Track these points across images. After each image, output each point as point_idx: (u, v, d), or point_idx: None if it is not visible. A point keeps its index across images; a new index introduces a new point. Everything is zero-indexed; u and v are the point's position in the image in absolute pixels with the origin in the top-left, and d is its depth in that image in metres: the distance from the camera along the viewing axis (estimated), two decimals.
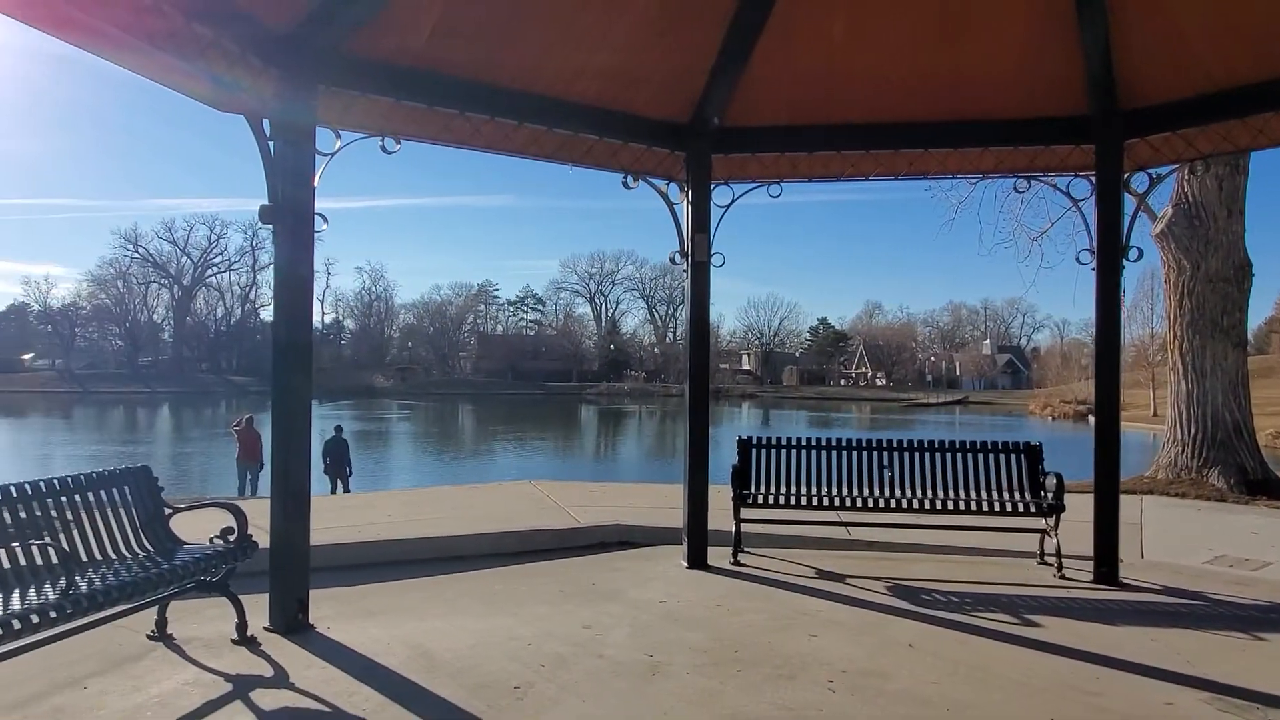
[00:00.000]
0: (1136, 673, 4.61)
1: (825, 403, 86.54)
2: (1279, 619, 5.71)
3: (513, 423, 57.21)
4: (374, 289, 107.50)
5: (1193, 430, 13.23)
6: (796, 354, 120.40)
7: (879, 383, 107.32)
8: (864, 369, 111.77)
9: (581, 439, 51.09)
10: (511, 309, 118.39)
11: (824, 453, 7.43)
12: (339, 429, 20.10)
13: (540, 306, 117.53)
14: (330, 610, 5.36)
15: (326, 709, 3.96)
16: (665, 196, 7.01)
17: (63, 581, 3.82)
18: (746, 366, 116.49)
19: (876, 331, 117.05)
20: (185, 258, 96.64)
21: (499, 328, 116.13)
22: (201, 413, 61.23)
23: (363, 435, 40.36)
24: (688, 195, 6.93)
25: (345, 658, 4.60)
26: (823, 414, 70.14)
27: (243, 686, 4.18)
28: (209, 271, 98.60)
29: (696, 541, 6.94)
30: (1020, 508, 6.95)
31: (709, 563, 6.91)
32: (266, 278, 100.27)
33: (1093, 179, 6.67)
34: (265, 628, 4.95)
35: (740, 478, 7.26)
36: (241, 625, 4.77)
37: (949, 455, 7.31)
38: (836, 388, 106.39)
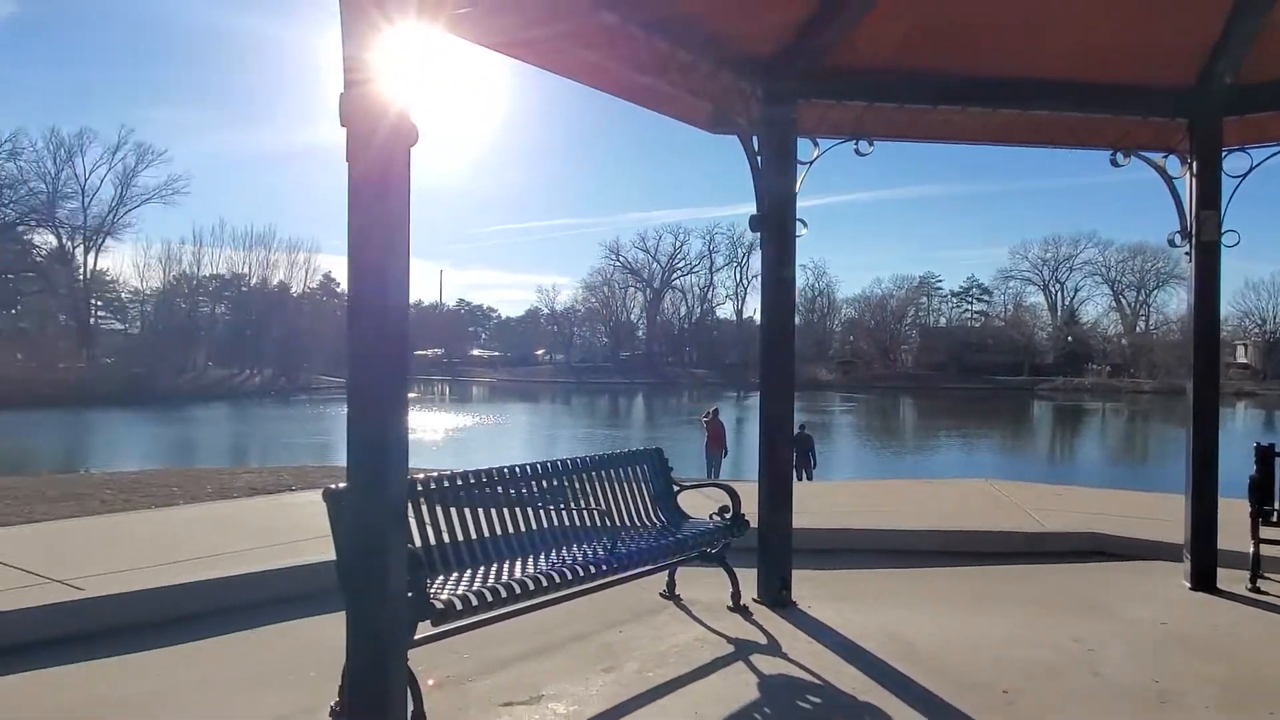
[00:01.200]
0: None
1: None
2: None
3: (957, 417, 54.78)
4: (817, 285, 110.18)
5: None
6: None
7: None
8: None
9: (1034, 437, 47.28)
10: (955, 300, 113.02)
11: None
12: (803, 426, 21.43)
13: (986, 297, 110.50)
14: (806, 590, 5.70)
15: (817, 681, 4.26)
16: (1162, 171, 6.25)
17: (606, 542, 4.63)
18: (1242, 359, 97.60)
19: None
20: (655, 264, 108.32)
21: (942, 320, 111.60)
22: (668, 401, 68.21)
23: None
24: (1191, 167, 6.10)
25: (828, 636, 4.89)
26: None
27: (742, 649, 4.68)
28: (674, 275, 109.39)
29: (1203, 560, 6.10)
30: None
31: (1218, 585, 6.04)
32: (721, 279, 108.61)
33: None
34: (754, 599, 5.45)
35: (1260, 490, 6.22)
36: (735, 595, 5.32)
37: None
38: None
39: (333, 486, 3.81)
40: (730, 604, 5.32)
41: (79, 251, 75.58)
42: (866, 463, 31.52)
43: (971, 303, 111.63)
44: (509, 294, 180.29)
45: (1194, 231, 6.06)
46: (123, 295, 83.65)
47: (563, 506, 4.94)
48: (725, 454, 21.37)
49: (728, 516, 5.32)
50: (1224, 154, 6.10)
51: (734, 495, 5.38)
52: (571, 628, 4.89)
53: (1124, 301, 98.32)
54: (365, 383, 3.20)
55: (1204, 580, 6.08)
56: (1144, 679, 4.35)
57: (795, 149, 5.44)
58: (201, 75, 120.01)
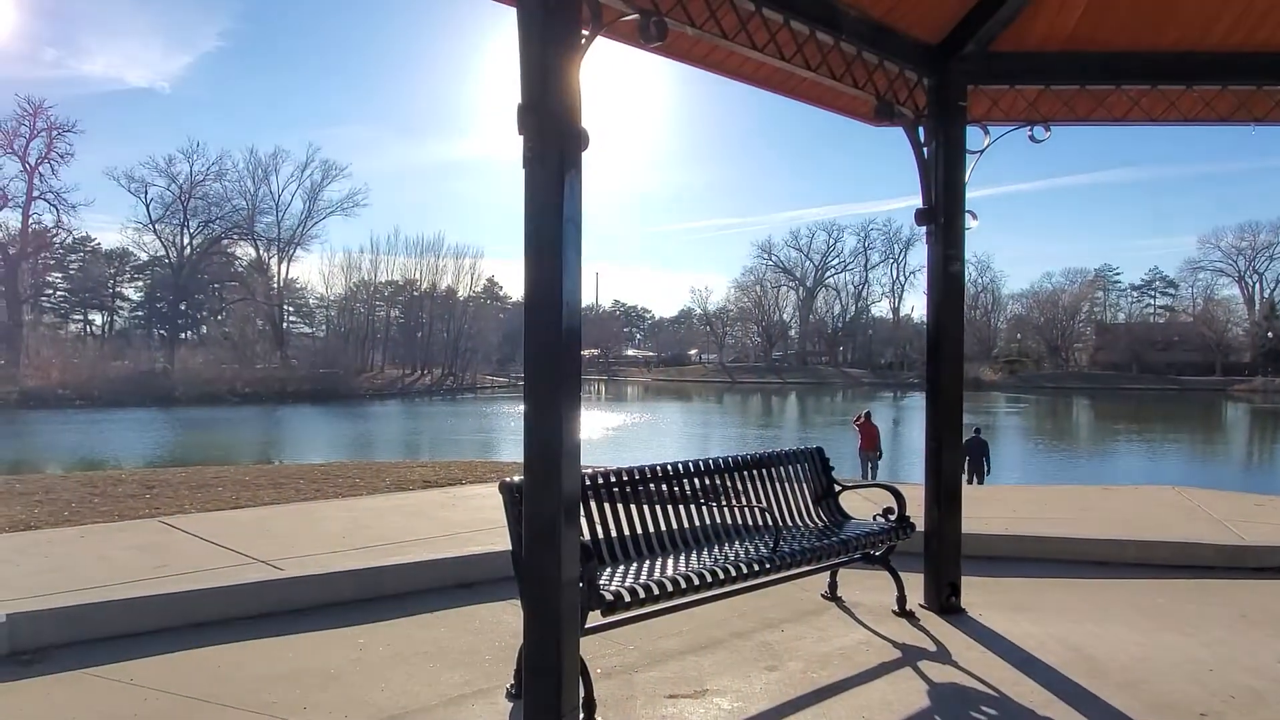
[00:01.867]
0: None
1: None
2: None
3: (1139, 420, 50.99)
4: (980, 280, 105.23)
5: None
6: None
7: None
8: None
9: (1229, 443, 43.27)
10: (1135, 294, 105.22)
11: None
12: (978, 430, 21.48)
13: (1172, 290, 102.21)
14: (976, 598, 5.49)
15: (992, 693, 4.10)
16: None
17: (769, 540, 4.63)
18: None
19: None
20: (808, 261, 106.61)
21: (1120, 315, 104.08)
22: (821, 401, 67.09)
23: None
24: None
25: (1001, 646, 4.70)
26: None
27: (910, 655, 4.56)
28: (827, 273, 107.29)
29: None
30: None
31: None
32: (877, 276, 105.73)
33: None
34: (920, 604, 5.30)
35: None
36: (901, 599, 5.19)
37: None
38: None
39: (509, 480, 3.99)
40: (895, 608, 5.20)
41: (274, 262, 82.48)
42: (1039, 468, 29.78)
43: (1155, 297, 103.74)
44: (663, 294, 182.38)
45: None
46: (310, 301, 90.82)
47: (725, 504, 4.97)
48: (880, 456, 20.97)
49: (892, 518, 5.20)
50: None
51: (899, 496, 5.25)
52: (732, 625, 4.92)
53: None
54: (541, 382, 3.35)
55: None
56: None
57: (964, 138, 5.24)
58: (378, 93, 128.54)
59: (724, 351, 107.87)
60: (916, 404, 59.94)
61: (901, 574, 5.30)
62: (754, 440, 37.84)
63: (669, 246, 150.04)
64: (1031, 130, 5.46)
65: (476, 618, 5.07)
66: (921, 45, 5.16)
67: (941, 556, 5.31)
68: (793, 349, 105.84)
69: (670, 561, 4.41)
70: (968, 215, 5.28)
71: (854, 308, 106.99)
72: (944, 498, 5.32)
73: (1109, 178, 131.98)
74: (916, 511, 5.36)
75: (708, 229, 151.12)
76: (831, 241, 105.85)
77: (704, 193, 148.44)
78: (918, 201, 5.28)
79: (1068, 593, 5.97)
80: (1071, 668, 4.39)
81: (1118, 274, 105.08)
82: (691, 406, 64.04)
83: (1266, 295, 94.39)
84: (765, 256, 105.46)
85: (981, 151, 5.35)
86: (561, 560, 3.29)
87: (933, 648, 4.68)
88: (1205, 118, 5.72)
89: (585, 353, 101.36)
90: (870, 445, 20.84)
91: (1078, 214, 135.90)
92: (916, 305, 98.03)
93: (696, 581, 4.07)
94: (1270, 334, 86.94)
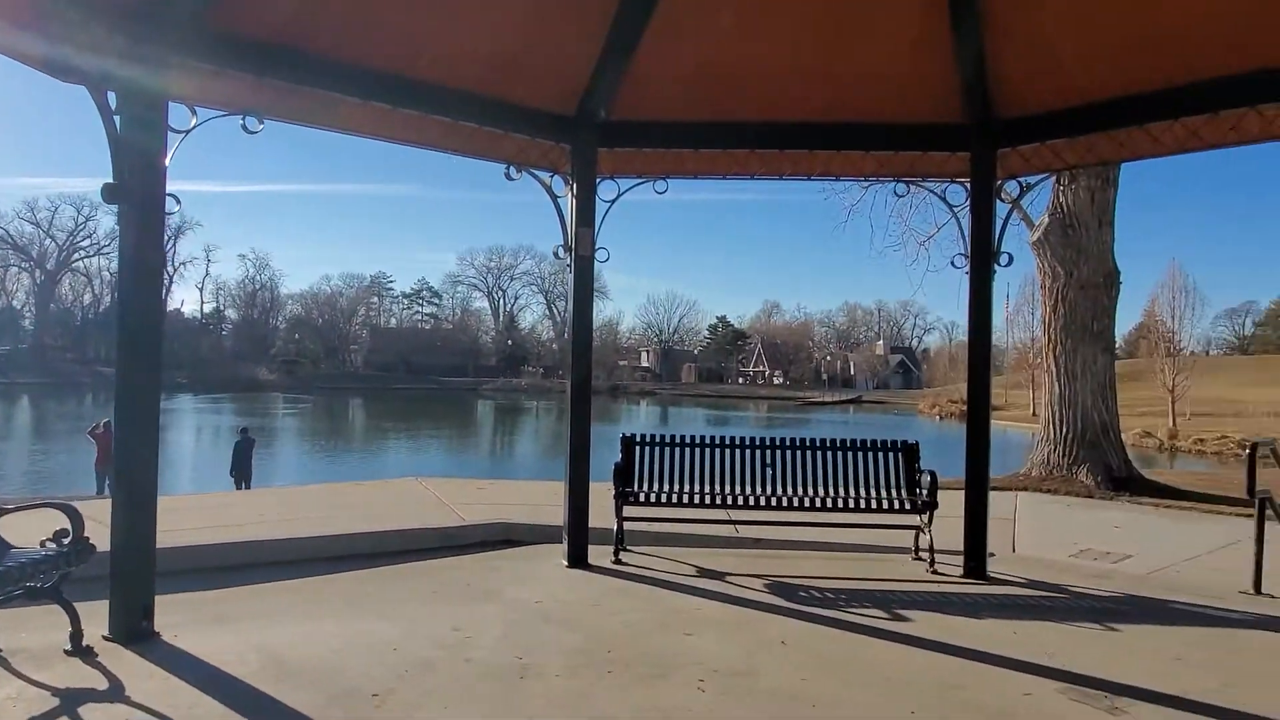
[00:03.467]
0: (998, 665, 4.74)
1: (723, 400, 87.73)
2: (1131, 610, 5.99)
3: (406, 418, 55.90)
4: (258, 278, 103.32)
5: (1064, 430, 13.92)
6: (695, 351, 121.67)
7: (776, 381, 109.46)
8: (762, 367, 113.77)
9: (476, 435, 50.32)
10: (406, 302, 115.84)
11: (709, 450, 7.42)
12: (245, 430, 20.34)
13: (436, 300, 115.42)
14: (181, 616, 5.00)
15: None
16: (549, 189, 6.87)
17: None
18: (645, 364, 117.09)
19: (775, 330, 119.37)
20: (49, 240, 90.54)
21: (393, 321, 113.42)
22: (65, 405, 57.52)
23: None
24: (572, 189, 6.81)
25: (189, 667, 4.29)
26: (720, 412, 71.08)
27: (71, 701, 3.85)
28: (76, 255, 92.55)
29: (577, 540, 6.83)
30: (897, 505, 7.11)
31: (590, 562, 6.81)
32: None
33: (968, 186, 6.86)
34: (104, 636, 4.58)
35: (623, 475, 7.19)
36: (76, 634, 4.39)
37: (832, 454, 7.41)
38: (734, 386, 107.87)
39: None
40: (69, 646, 4.38)
41: None
42: (311, 467, 30.22)
43: (422, 305, 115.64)
44: None
45: (574, 245, 6.76)
46: None
47: None
48: None
49: (65, 541, 4.38)
50: (599, 180, 6.91)
51: (73, 514, 4.43)
52: None
53: (555, 310, 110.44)
54: None
55: (578, 558, 6.81)
56: (510, 657, 4.61)
57: (166, 112, 4.71)
58: None
59: None
60: (185, 406, 55.98)
61: (94, 603, 4.53)
62: None
63: None
64: (244, 120, 5.17)
65: None
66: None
67: (131, 576, 4.66)
68: (26, 343, 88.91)
69: None
70: (170, 199, 4.75)
71: (112, 297, 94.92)
72: (133, 510, 4.69)
73: (388, 191, 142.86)
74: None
75: None
76: (82, 220, 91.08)
77: None
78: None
79: (288, 595, 5.90)
80: (263, 675, 4.22)
81: (391, 281, 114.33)
82: None
83: (508, 308, 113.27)
84: None
85: (188, 132, 4.83)
86: None
87: (104, 685, 4.04)
88: (418, 141, 6.25)
89: None
90: (108, 458, 18.06)
91: (357, 222, 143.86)
92: (187, 299, 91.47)
93: None
94: (510, 341, 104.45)
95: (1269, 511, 6.58)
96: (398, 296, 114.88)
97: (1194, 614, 5.92)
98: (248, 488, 17.97)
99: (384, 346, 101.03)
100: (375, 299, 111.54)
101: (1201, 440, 35.47)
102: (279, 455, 32.83)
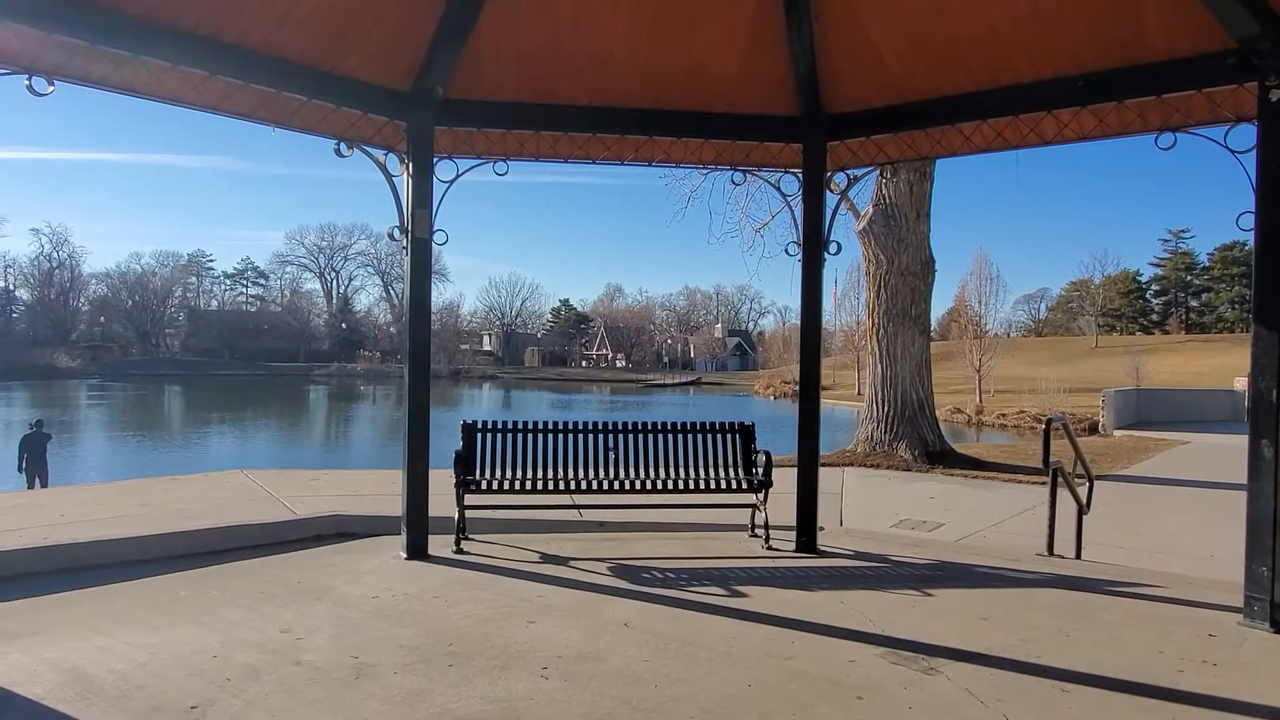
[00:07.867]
0: (827, 634, 4.98)
1: (566, 384, 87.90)
2: (944, 575, 6.44)
3: (230, 406, 52.70)
4: (56, 255, 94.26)
5: (886, 408, 14.80)
6: (538, 335, 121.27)
7: (619, 364, 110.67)
8: (604, 350, 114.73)
9: (308, 423, 48.10)
10: (229, 282, 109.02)
11: (552, 436, 7.38)
12: (40, 423, 18.95)
13: (263, 281, 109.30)
14: None
15: None
16: (384, 168, 6.57)
17: None
18: (488, 347, 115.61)
19: (617, 314, 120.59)
20: None
21: (214, 302, 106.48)
22: None
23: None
24: (408, 168, 6.55)
25: None
26: (564, 395, 71.15)
27: None
28: None
29: (416, 530, 6.64)
30: (734, 484, 7.33)
31: (430, 552, 6.63)
32: None
33: (800, 176, 7.11)
34: None
35: (464, 463, 7.04)
36: None
37: (673, 436, 7.54)
38: (577, 369, 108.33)
39: None
40: None
41: None
42: (121, 462, 27.86)
43: (247, 286, 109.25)
44: None
45: (410, 227, 6.51)
46: None
47: None
48: None
49: None
50: (436, 160, 6.69)
51: None
52: None
53: (392, 292, 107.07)
54: None
55: (417, 549, 6.61)
56: (343, 658, 4.42)
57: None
58: None
59: None
60: None
61: None
62: None
63: None
64: (30, 80, 4.67)
65: None
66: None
67: None
68: None
69: None
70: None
71: None
72: None
73: (205, 163, 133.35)
74: None
75: None
76: None
77: None
78: None
79: (89, 605, 5.40)
80: (59, 694, 3.86)
81: (212, 260, 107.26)
82: None
83: (342, 290, 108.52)
84: None
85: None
86: None
87: None
88: (232, 110, 5.81)
89: None
90: None
91: (171, 195, 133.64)
92: None
93: None
94: (344, 325, 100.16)
95: (1060, 480, 7.23)
96: (219, 277, 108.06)
97: (997, 576, 6.44)
98: (44, 486, 16.64)
99: (204, 330, 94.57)
100: (194, 279, 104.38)
101: (1004, 415, 38.60)
102: (83, 450, 30.19)
